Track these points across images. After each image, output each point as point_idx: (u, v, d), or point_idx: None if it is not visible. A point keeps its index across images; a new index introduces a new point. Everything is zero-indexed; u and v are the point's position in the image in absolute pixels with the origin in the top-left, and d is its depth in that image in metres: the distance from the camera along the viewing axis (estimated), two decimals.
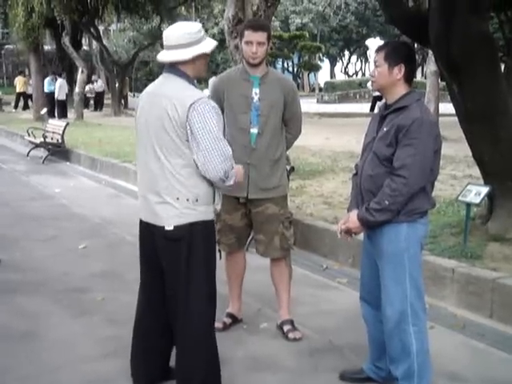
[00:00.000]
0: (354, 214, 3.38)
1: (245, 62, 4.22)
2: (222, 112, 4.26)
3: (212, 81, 14.48)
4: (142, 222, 3.48)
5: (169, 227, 3.26)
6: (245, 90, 4.19)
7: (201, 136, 3.15)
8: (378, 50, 3.36)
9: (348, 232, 3.45)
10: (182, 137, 3.19)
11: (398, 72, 3.29)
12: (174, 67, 3.31)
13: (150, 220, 3.36)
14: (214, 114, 3.20)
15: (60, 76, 25.54)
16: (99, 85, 31.32)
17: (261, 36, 4.05)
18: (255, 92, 4.19)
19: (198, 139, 3.16)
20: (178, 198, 3.24)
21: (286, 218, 4.37)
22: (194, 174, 3.25)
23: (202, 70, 3.38)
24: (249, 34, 4.05)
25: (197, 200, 3.26)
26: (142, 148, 3.38)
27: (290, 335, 4.37)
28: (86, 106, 29.91)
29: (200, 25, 3.40)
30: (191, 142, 3.19)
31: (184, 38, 3.24)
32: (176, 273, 3.33)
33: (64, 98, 24.58)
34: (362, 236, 3.59)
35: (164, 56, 3.31)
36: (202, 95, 3.25)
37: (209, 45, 3.33)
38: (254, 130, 4.20)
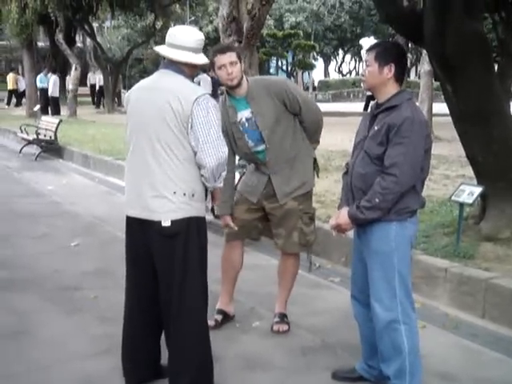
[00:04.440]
0: (344, 211, 3.40)
1: (226, 88, 4.24)
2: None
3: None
4: (130, 219, 3.46)
5: (165, 223, 3.25)
6: (231, 117, 4.22)
7: (201, 129, 3.21)
8: (369, 49, 3.38)
9: (338, 229, 3.47)
10: (183, 131, 3.23)
11: (388, 71, 3.30)
12: (174, 64, 3.36)
13: (143, 215, 3.34)
14: (215, 110, 3.29)
15: (54, 72, 25.45)
16: (99, 77, 30.64)
17: (230, 56, 4.06)
18: (242, 115, 4.20)
19: (198, 132, 3.21)
20: (174, 192, 3.25)
21: (306, 214, 4.36)
22: (192, 169, 3.28)
23: (194, 74, 3.55)
24: (219, 59, 4.07)
25: (193, 195, 3.28)
26: (136, 141, 3.37)
27: (275, 327, 4.44)
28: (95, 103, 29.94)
29: None
30: (190, 135, 3.23)
31: (199, 42, 3.39)
32: (171, 269, 3.32)
33: (57, 94, 24.49)
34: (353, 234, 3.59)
35: (175, 54, 3.35)
36: (205, 91, 3.34)
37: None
38: (260, 148, 4.23)
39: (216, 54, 4.08)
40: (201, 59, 3.41)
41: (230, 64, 4.04)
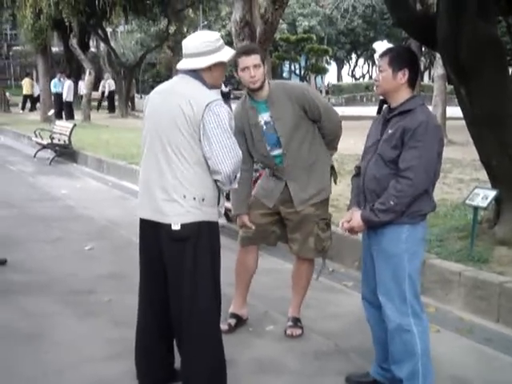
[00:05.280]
0: (357, 213, 3.41)
1: (247, 90, 4.23)
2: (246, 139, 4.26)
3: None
4: (142, 221, 3.47)
5: (175, 226, 3.25)
6: (253, 119, 4.21)
7: (214, 134, 3.19)
8: (382, 55, 3.40)
9: (351, 231, 3.49)
10: (194, 136, 3.22)
11: (402, 77, 3.32)
12: (191, 70, 3.34)
13: (154, 218, 3.34)
14: (228, 116, 3.26)
15: (68, 77, 25.55)
16: (111, 82, 30.29)
17: (255, 58, 4.05)
18: (262, 117, 4.19)
19: (211, 138, 3.20)
20: (184, 196, 3.24)
21: (322, 220, 4.34)
22: (202, 173, 3.27)
23: (218, 79, 3.44)
24: (243, 60, 4.05)
25: (203, 200, 3.28)
26: (149, 145, 3.38)
27: (288, 331, 4.44)
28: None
29: (218, 34, 3.47)
30: (203, 141, 3.22)
31: (202, 46, 3.32)
32: (180, 273, 3.32)
33: (71, 99, 24.62)
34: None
35: (182, 64, 3.37)
36: (218, 97, 3.30)
37: (226, 54, 3.40)
38: (277, 152, 4.22)
39: (240, 56, 4.06)
40: (200, 62, 3.31)
41: (253, 67, 4.04)
